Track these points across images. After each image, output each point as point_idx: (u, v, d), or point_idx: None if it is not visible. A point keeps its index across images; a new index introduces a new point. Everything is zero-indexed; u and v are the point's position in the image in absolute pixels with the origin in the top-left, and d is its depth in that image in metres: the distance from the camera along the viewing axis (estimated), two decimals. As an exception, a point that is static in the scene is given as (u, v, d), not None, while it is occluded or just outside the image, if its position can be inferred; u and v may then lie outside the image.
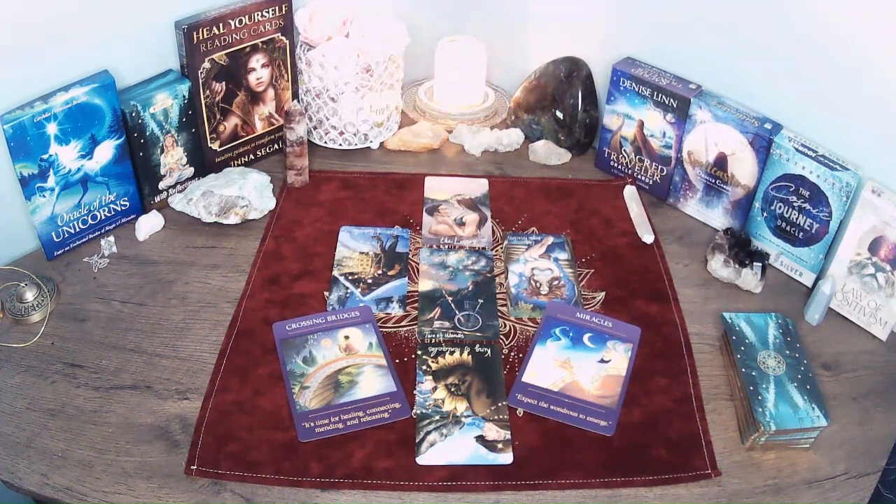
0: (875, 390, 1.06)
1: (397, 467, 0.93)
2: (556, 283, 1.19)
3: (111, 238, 1.23)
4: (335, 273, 1.19)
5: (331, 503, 0.89)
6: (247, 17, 1.27)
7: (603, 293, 1.18)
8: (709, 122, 1.26)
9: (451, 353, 1.07)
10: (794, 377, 1.00)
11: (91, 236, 1.23)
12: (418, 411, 0.99)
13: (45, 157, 1.12)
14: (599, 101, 1.46)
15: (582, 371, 1.05)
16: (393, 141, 1.48)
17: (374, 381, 1.03)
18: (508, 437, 0.97)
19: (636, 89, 1.33)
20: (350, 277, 1.19)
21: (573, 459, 0.95)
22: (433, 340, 1.09)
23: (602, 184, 1.42)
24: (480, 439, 0.96)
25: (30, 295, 1.09)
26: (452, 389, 1.02)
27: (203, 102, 1.29)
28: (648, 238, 1.28)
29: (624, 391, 1.03)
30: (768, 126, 1.20)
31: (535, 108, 1.48)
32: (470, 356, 1.07)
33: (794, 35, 1.17)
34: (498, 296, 1.17)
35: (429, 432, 0.97)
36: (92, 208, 1.21)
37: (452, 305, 1.15)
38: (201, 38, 1.23)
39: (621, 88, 1.35)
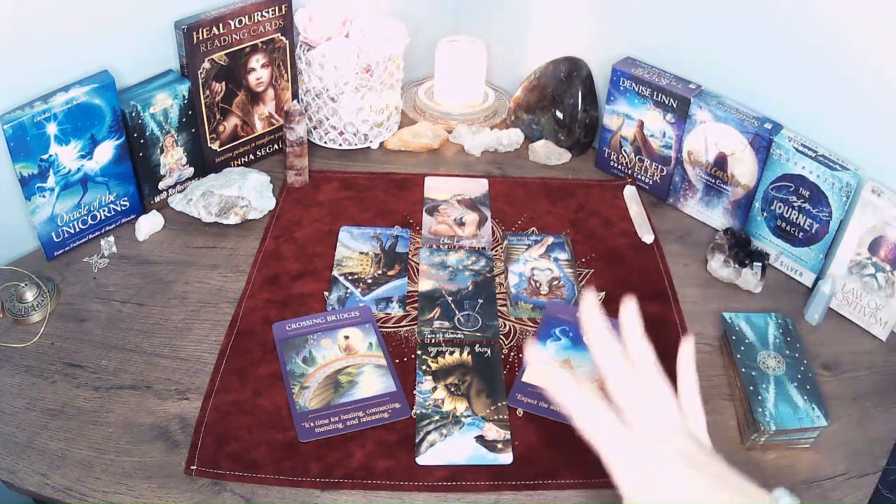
0: (875, 390, 1.06)
1: (397, 467, 0.93)
2: (556, 283, 1.19)
3: (111, 238, 1.23)
4: (335, 273, 1.19)
5: (331, 503, 0.89)
6: (247, 17, 1.27)
7: (603, 293, 1.18)
8: (709, 122, 1.26)
9: (451, 353, 1.07)
10: (794, 377, 1.00)
11: (91, 236, 1.23)
12: (418, 411, 0.99)
13: (45, 157, 1.12)
14: (599, 101, 1.46)
15: (582, 371, 1.05)
16: (393, 141, 1.48)
17: (373, 381, 1.03)
18: (508, 437, 0.97)
19: (636, 89, 1.33)
20: (350, 277, 1.19)
21: (573, 459, 0.95)
22: (433, 340, 1.09)
23: (602, 184, 1.42)
24: (480, 439, 0.96)
25: (30, 295, 1.09)
26: (452, 389, 1.02)
27: (203, 102, 1.29)
28: (648, 238, 1.28)
29: (624, 391, 1.03)
30: (768, 126, 1.20)
31: (535, 108, 1.48)
32: (470, 356, 1.07)
33: (794, 35, 1.17)
34: (498, 296, 1.17)
35: (429, 432, 0.97)
36: (92, 208, 1.21)
37: (452, 305, 1.15)
38: (201, 38, 1.23)
39: (621, 88, 1.35)
